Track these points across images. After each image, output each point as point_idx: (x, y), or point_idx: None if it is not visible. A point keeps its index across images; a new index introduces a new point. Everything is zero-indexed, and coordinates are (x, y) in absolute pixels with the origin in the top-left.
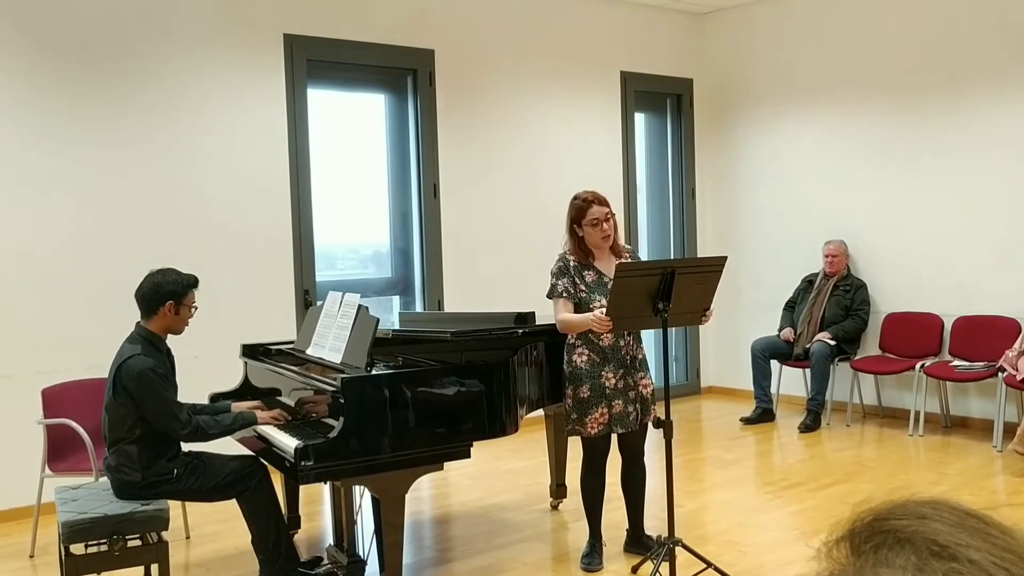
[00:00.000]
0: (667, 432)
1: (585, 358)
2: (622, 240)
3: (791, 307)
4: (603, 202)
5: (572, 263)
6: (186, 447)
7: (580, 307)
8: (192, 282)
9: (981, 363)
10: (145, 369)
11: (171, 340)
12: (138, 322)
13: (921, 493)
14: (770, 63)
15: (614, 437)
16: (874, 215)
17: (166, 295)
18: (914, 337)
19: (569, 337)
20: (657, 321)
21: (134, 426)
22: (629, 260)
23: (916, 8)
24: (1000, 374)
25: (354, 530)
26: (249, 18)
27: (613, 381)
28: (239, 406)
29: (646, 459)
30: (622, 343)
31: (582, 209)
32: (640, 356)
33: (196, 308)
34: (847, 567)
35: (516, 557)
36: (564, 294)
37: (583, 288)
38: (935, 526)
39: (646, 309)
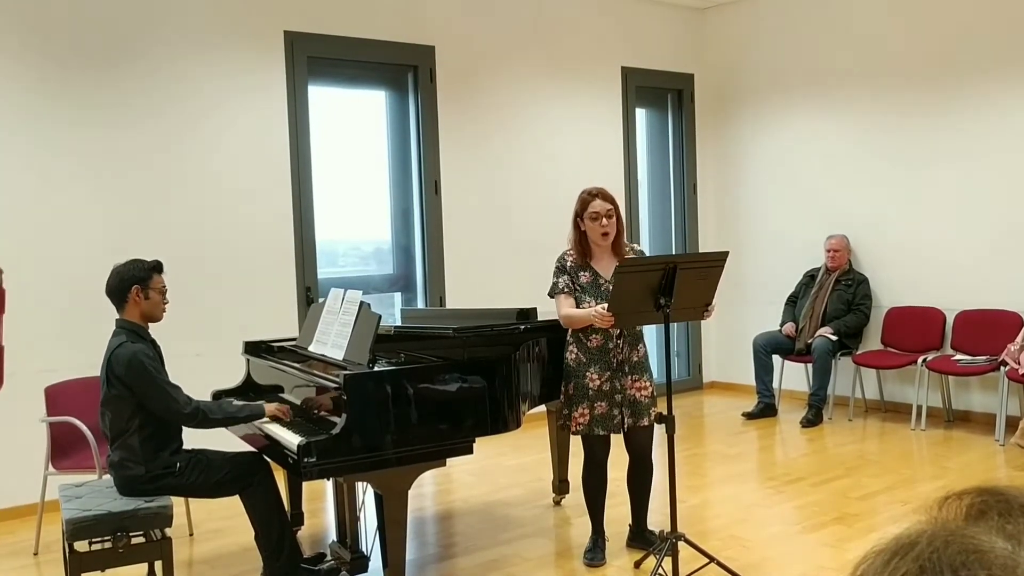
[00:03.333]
0: (669, 428)
1: (573, 356)
2: (636, 243)
3: (793, 302)
4: (607, 198)
5: (569, 263)
6: (188, 444)
7: (576, 307)
8: (154, 266)
9: (983, 357)
10: (135, 354)
11: (171, 336)
12: (116, 318)
13: None
14: (771, 58)
15: (616, 436)
16: (876, 209)
17: (130, 281)
18: (916, 331)
19: (567, 334)
20: (659, 316)
21: (133, 416)
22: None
23: (919, 3)
24: (1002, 368)
25: (357, 526)
26: (250, 16)
27: (597, 383)
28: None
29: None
30: (611, 345)
31: (585, 202)
32: (635, 359)
33: (166, 291)
34: (950, 521)
35: (519, 553)
36: (565, 290)
37: (577, 288)
38: None
39: (648, 304)
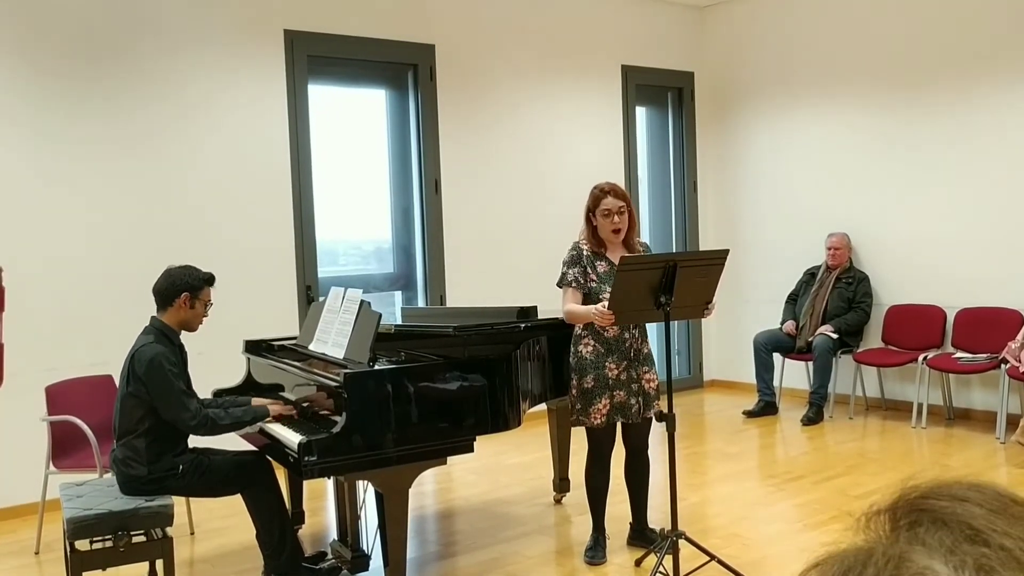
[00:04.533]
0: (670, 426)
1: (591, 348)
2: (639, 237)
3: (793, 300)
4: (619, 195)
5: (586, 252)
6: (192, 442)
7: (590, 297)
8: (208, 278)
9: (984, 355)
10: (157, 355)
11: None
12: (153, 316)
13: (973, 476)
14: (772, 56)
15: (619, 430)
16: (876, 207)
17: (182, 287)
18: (917, 329)
19: (577, 328)
20: (659, 314)
21: (143, 418)
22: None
23: (919, 1)
24: (1003, 366)
25: (358, 525)
26: (250, 14)
27: (616, 372)
28: (258, 401)
29: (649, 453)
30: (627, 336)
31: (597, 198)
32: (645, 350)
33: (211, 305)
34: (882, 540)
35: (519, 551)
36: (573, 283)
37: (594, 278)
38: (973, 510)
39: (648, 302)
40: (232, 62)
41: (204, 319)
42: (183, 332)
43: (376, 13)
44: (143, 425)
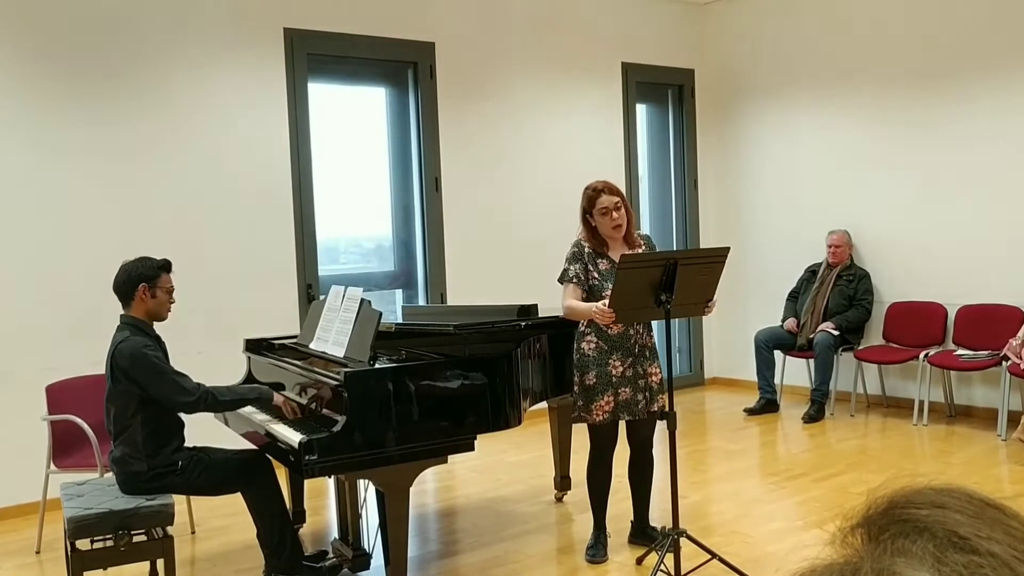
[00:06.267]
0: (671, 423)
1: (593, 345)
2: (640, 229)
3: (794, 297)
4: (613, 191)
5: (587, 249)
6: (191, 441)
7: (592, 294)
8: (162, 264)
9: (985, 352)
10: (138, 347)
11: (172, 334)
12: (121, 314)
13: (936, 480)
14: (772, 53)
15: (622, 428)
16: (877, 204)
17: (137, 279)
18: (918, 326)
19: (580, 325)
20: (660, 313)
21: (136, 412)
22: (640, 250)
23: None
24: (1004, 363)
25: (359, 524)
26: (250, 13)
27: (620, 369)
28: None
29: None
30: (631, 331)
31: (592, 199)
32: (650, 344)
33: (174, 290)
34: (863, 554)
35: (521, 549)
36: (574, 279)
37: (596, 276)
38: (955, 516)
39: (649, 300)
40: (232, 61)
41: (171, 306)
42: (157, 323)
43: (376, 11)
44: (136, 418)
